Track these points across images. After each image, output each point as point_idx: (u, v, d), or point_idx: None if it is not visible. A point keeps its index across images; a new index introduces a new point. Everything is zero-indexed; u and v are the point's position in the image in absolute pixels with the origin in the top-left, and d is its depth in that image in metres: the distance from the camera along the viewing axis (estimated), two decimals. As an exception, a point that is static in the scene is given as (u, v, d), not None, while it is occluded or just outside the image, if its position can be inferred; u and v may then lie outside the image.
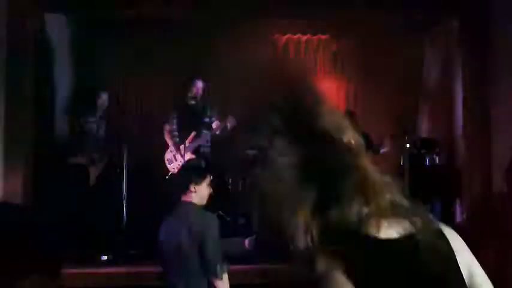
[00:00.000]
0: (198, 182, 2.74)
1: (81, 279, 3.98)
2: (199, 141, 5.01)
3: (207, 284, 2.61)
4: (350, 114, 5.11)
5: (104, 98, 5.56)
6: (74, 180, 5.26)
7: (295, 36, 7.11)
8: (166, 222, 2.73)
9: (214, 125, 5.08)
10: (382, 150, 5.31)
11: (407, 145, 4.97)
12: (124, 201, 4.61)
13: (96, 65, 6.86)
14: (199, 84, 5.18)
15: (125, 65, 6.89)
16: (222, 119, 5.11)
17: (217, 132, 5.04)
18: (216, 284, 2.60)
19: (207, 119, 5.15)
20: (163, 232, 2.70)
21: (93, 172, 5.24)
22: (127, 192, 4.68)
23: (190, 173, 2.81)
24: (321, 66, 7.15)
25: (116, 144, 5.41)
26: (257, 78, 6.94)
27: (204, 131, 5.05)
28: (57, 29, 5.80)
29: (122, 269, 4.10)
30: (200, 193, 2.75)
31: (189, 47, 6.89)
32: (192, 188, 2.71)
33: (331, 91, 7.16)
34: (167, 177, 5.23)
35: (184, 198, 2.72)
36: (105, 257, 4.23)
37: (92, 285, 3.97)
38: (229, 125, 4.95)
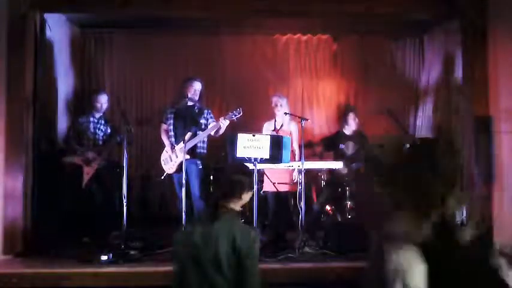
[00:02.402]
0: (250, 190, 2.55)
1: (81, 279, 3.99)
2: (194, 142, 5.01)
3: None
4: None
5: (103, 99, 5.54)
6: (70, 180, 5.26)
7: (295, 36, 7.12)
8: (204, 228, 2.42)
9: (209, 126, 5.09)
10: None
11: (407, 145, 4.96)
12: (124, 201, 4.60)
13: (96, 64, 6.88)
14: (197, 85, 5.19)
15: (125, 65, 6.91)
16: (217, 119, 5.12)
17: (213, 133, 5.05)
18: None
19: (203, 120, 5.16)
20: (202, 237, 2.39)
21: (87, 172, 5.23)
22: (126, 192, 4.67)
23: (248, 179, 2.57)
24: (321, 66, 7.16)
25: (116, 144, 5.40)
26: (257, 78, 6.98)
27: (200, 132, 5.06)
28: (57, 29, 5.80)
29: (122, 269, 4.10)
30: (242, 202, 2.55)
31: (189, 46, 6.91)
32: (244, 195, 2.51)
33: (331, 91, 7.17)
34: (162, 177, 5.23)
35: (226, 204, 2.46)
36: (105, 257, 4.22)
37: (92, 285, 3.97)
38: (223, 126, 4.95)
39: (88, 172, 5.22)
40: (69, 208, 5.15)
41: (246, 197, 2.55)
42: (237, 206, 2.52)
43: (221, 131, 5.05)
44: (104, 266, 4.14)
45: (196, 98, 5.20)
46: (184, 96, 5.17)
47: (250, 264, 2.33)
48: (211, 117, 5.21)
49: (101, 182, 5.33)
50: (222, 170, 6.24)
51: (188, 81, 5.25)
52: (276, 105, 5.30)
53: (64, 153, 5.38)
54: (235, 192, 2.49)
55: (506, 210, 4.69)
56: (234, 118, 4.93)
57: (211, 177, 5.81)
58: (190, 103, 5.17)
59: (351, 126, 5.48)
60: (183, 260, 2.41)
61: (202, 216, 2.53)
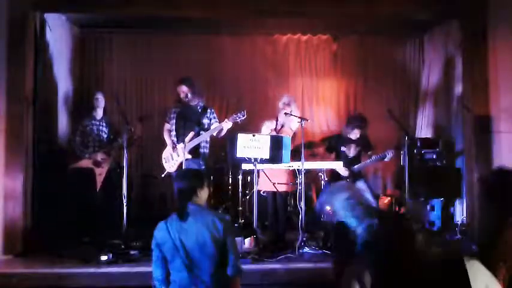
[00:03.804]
0: (201, 187, 2.82)
1: (81, 279, 3.99)
2: (197, 142, 5.01)
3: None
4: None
5: (99, 98, 5.52)
6: (80, 182, 5.25)
7: (295, 36, 7.12)
8: (180, 224, 2.70)
9: (212, 126, 5.08)
10: (387, 159, 5.30)
11: (408, 145, 4.97)
12: (124, 201, 4.60)
13: (96, 64, 6.88)
14: (183, 88, 5.17)
15: (125, 65, 6.91)
16: (220, 120, 5.11)
17: (215, 134, 5.04)
18: (234, 283, 2.74)
19: (206, 120, 5.15)
20: (184, 233, 2.68)
21: (99, 173, 5.25)
22: (127, 192, 4.67)
23: (193, 180, 2.83)
24: (321, 66, 7.16)
25: (116, 144, 5.40)
26: (257, 78, 6.98)
27: (203, 132, 5.05)
28: (57, 29, 5.80)
29: (122, 269, 4.10)
30: (203, 196, 2.84)
31: (189, 46, 6.91)
32: (198, 192, 2.79)
33: (332, 91, 7.17)
34: (163, 175, 5.22)
35: (192, 202, 2.77)
36: (105, 257, 4.22)
37: (92, 285, 3.97)
38: (225, 128, 4.94)
39: (101, 173, 5.25)
40: (70, 208, 5.15)
41: (204, 193, 2.81)
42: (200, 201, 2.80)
43: (223, 133, 5.03)
44: (104, 266, 4.14)
45: (190, 99, 5.16)
46: (178, 99, 5.19)
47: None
48: (214, 117, 5.21)
49: (109, 183, 5.34)
50: (221, 170, 6.27)
51: (177, 85, 5.24)
52: (288, 104, 5.20)
53: (65, 153, 5.38)
54: (191, 196, 2.75)
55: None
56: (238, 120, 4.90)
57: (211, 177, 5.80)
58: (194, 102, 5.17)
59: (353, 134, 5.43)
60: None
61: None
